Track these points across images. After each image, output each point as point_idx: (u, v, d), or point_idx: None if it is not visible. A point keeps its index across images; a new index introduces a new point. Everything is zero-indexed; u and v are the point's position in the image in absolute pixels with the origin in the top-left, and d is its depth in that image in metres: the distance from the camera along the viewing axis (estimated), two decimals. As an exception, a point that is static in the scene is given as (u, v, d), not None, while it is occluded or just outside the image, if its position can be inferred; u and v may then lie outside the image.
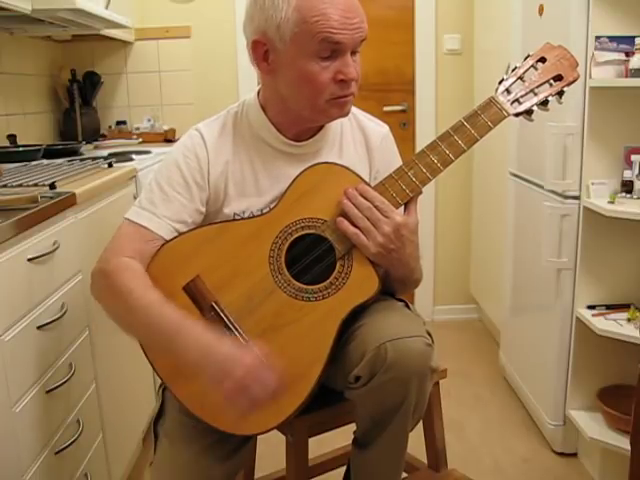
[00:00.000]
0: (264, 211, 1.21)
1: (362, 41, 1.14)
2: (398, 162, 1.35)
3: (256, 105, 1.24)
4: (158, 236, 1.16)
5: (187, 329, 1.05)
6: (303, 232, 1.16)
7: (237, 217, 1.22)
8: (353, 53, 1.14)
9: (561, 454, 2.11)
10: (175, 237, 1.17)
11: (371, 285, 1.15)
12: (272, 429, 1.15)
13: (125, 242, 1.16)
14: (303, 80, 1.13)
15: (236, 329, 1.14)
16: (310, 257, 1.15)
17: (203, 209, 1.22)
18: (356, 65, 1.14)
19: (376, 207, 1.13)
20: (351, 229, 1.13)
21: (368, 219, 1.13)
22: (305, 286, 1.15)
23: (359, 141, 1.31)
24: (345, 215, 1.14)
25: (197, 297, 1.14)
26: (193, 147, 1.22)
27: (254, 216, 1.21)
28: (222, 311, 1.14)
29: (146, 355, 1.16)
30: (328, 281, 1.15)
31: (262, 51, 1.15)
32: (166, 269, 1.15)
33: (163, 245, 1.16)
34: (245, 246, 1.16)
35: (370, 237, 1.12)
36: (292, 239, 1.16)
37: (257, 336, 1.14)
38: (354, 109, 1.28)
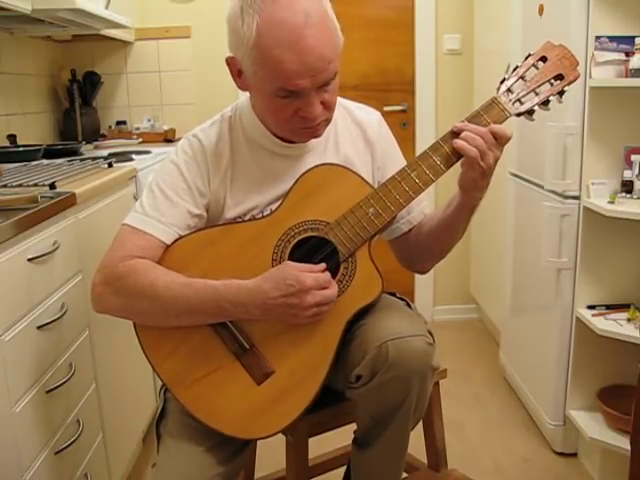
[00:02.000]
0: (265, 213, 1.20)
1: (333, 77, 1.10)
2: (395, 146, 1.36)
3: (249, 109, 1.24)
4: (162, 243, 1.15)
5: (227, 287, 1.09)
6: (306, 234, 1.15)
7: (239, 220, 1.22)
8: (324, 86, 1.10)
9: (561, 454, 2.11)
10: (176, 240, 1.16)
11: (375, 287, 1.15)
12: (277, 433, 1.15)
13: (130, 247, 1.14)
14: (266, 110, 1.15)
15: (240, 333, 1.14)
16: (313, 260, 1.14)
17: (205, 215, 1.21)
18: (330, 95, 1.12)
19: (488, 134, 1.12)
20: (469, 147, 1.11)
21: (484, 141, 1.11)
22: None
23: (356, 135, 1.30)
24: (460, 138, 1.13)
25: None
26: (194, 154, 1.21)
27: (256, 218, 1.20)
28: None
29: (148, 360, 1.15)
30: None
31: (236, 68, 1.14)
32: None
33: (167, 248, 1.16)
34: (247, 249, 1.15)
35: (484, 158, 1.11)
36: (295, 241, 1.15)
37: (261, 340, 1.14)
38: (342, 100, 1.28)
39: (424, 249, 1.32)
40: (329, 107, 1.14)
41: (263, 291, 1.08)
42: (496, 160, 1.13)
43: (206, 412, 1.14)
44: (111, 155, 2.24)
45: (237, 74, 1.15)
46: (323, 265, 1.12)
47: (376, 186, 1.25)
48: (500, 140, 1.12)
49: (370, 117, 1.32)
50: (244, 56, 1.08)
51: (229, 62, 1.14)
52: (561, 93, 1.17)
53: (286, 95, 1.09)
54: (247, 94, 1.25)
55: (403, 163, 1.33)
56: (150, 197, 1.18)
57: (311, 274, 1.08)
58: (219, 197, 1.21)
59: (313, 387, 1.12)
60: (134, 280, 1.11)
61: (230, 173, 1.22)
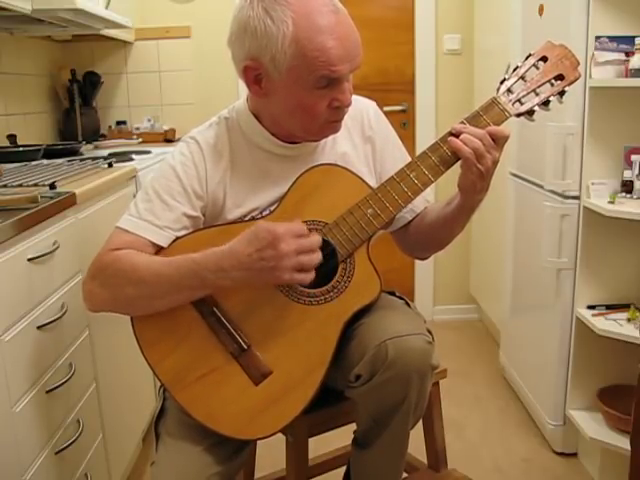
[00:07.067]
0: (264, 214, 1.20)
1: (360, 64, 1.12)
2: (393, 133, 1.35)
3: (246, 111, 1.23)
4: (155, 245, 1.15)
5: (204, 255, 1.08)
6: None
7: (238, 220, 1.21)
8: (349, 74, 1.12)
9: (561, 454, 2.11)
10: (175, 240, 1.16)
11: (373, 288, 1.15)
12: (274, 434, 1.14)
13: (117, 243, 1.14)
14: (298, 108, 1.12)
15: (238, 334, 1.14)
16: None
17: (202, 217, 1.21)
18: (350, 84, 1.14)
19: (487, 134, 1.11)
20: (465, 148, 1.10)
21: (482, 143, 1.10)
22: (307, 290, 1.14)
23: (354, 131, 1.29)
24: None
25: (197, 302, 1.13)
26: (191, 156, 1.20)
27: (255, 219, 1.19)
28: (223, 316, 1.14)
29: (147, 361, 1.15)
30: (330, 284, 1.14)
31: (253, 75, 1.12)
32: None
33: (161, 249, 1.15)
34: None
35: (482, 160, 1.10)
36: None
37: (259, 341, 1.14)
38: None
39: (425, 239, 1.32)
40: (351, 96, 1.15)
41: (237, 250, 1.06)
42: (494, 162, 1.12)
43: (204, 412, 1.13)
44: (111, 155, 2.24)
45: (254, 81, 1.13)
46: (298, 219, 1.10)
47: (378, 179, 1.25)
48: (499, 141, 1.12)
49: (366, 108, 1.32)
50: (277, 55, 1.07)
51: (246, 70, 1.12)
52: (562, 93, 1.16)
53: (325, 85, 1.09)
54: (243, 97, 1.25)
55: (402, 149, 1.34)
56: (145, 200, 1.17)
57: (282, 224, 1.06)
58: (217, 199, 1.21)
59: (311, 388, 1.12)
60: (116, 267, 1.11)
61: (229, 174, 1.21)
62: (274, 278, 1.06)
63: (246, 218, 1.21)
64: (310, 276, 1.08)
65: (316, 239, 1.08)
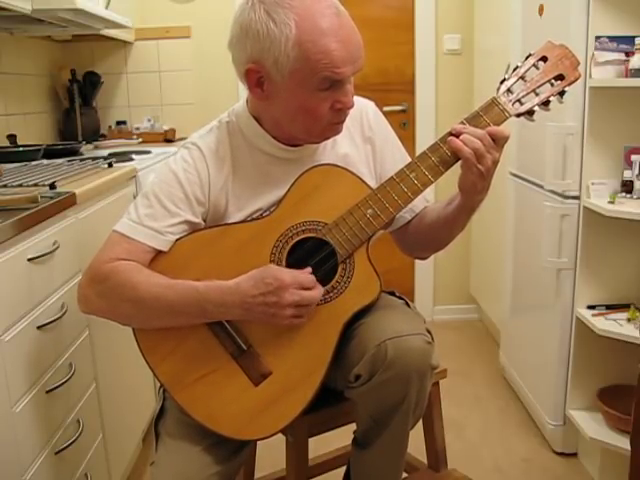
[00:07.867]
0: (264, 214, 1.19)
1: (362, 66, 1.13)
2: (391, 132, 1.35)
3: (247, 114, 1.22)
4: (154, 250, 1.14)
5: (207, 287, 1.09)
6: (304, 235, 1.15)
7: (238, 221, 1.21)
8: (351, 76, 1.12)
9: (561, 454, 2.11)
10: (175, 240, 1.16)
11: (373, 289, 1.15)
12: (274, 434, 1.15)
13: (117, 251, 1.13)
14: (300, 111, 1.12)
15: (238, 334, 1.14)
16: (311, 261, 1.14)
17: (203, 223, 1.20)
18: (352, 86, 1.14)
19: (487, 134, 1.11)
20: (465, 149, 1.10)
21: (482, 143, 1.10)
22: None
23: (354, 131, 1.29)
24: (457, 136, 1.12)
25: None
26: (194, 162, 1.19)
27: (255, 219, 1.19)
28: None
29: (147, 361, 1.15)
30: (330, 285, 1.14)
31: (255, 78, 1.12)
32: (165, 273, 1.13)
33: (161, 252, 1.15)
34: (246, 249, 1.15)
35: (482, 160, 1.10)
36: (293, 242, 1.15)
37: (259, 342, 1.14)
38: None
39: (425, 239, 1.32)
40: (353, 98, 1.15)
41: (242, 290, 1.08)
42: (494, 162, 1.12)
43: (203, 413, 1.14)
44: (111, 155, 2.25)
45: (256, 84, 1.12)
46: (308, 269, 1.12)
47: (378, 179, 1.25)
48: (499, 141, 1.12)
49: (365, 108, 1.32)
50: (280, 57, 1.06)
51: (248, 73, 1.11)
52: (562, 93, 1.16)
53: (328, 86, 1.09)
54: (243, 98, 1.25)
55: (401, 149, 1.34)
56: (146, 206, 1.16)
57: (291, 272, 1.09)
58: (219, 204, 1.20)
59: (310, 388, 1.12)
60: (116, 282, 1.10)
61: (231, 180, 1.20)
62: (272, 321, 1.10)
63: (247, 219, 1.21)
64: (304, 319, 1.11)
65: (318, 293, 1.11)
